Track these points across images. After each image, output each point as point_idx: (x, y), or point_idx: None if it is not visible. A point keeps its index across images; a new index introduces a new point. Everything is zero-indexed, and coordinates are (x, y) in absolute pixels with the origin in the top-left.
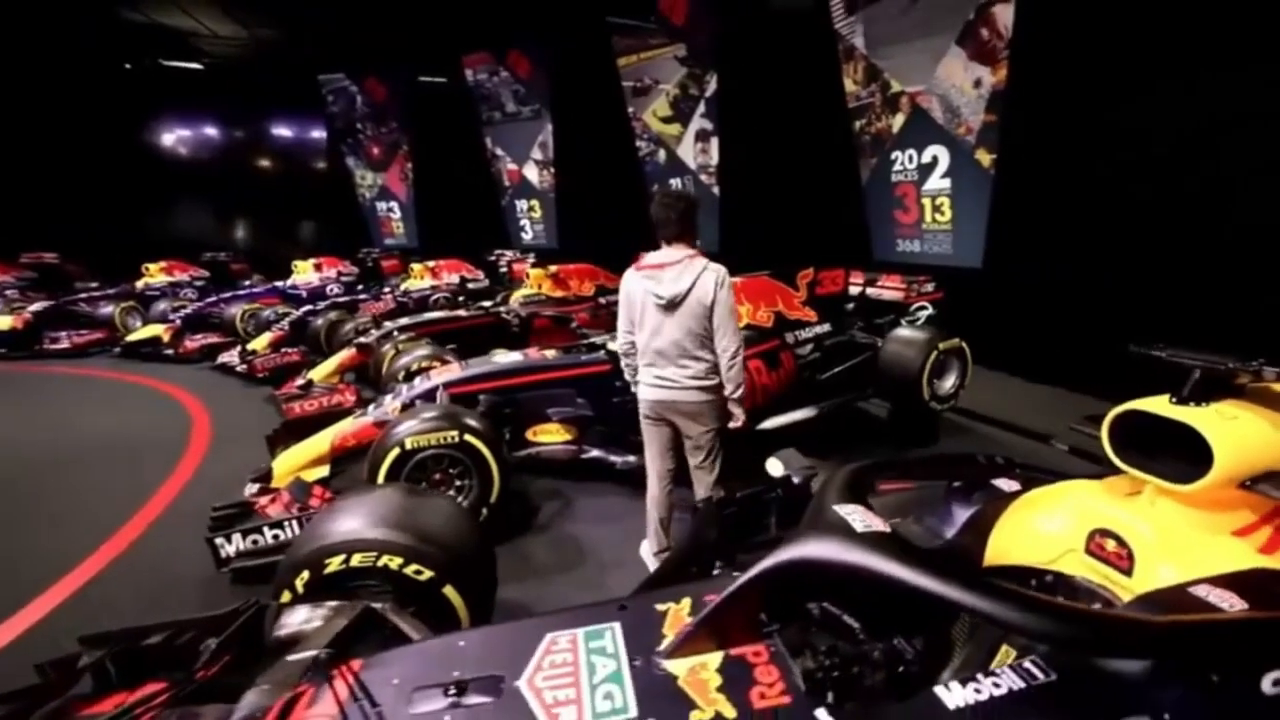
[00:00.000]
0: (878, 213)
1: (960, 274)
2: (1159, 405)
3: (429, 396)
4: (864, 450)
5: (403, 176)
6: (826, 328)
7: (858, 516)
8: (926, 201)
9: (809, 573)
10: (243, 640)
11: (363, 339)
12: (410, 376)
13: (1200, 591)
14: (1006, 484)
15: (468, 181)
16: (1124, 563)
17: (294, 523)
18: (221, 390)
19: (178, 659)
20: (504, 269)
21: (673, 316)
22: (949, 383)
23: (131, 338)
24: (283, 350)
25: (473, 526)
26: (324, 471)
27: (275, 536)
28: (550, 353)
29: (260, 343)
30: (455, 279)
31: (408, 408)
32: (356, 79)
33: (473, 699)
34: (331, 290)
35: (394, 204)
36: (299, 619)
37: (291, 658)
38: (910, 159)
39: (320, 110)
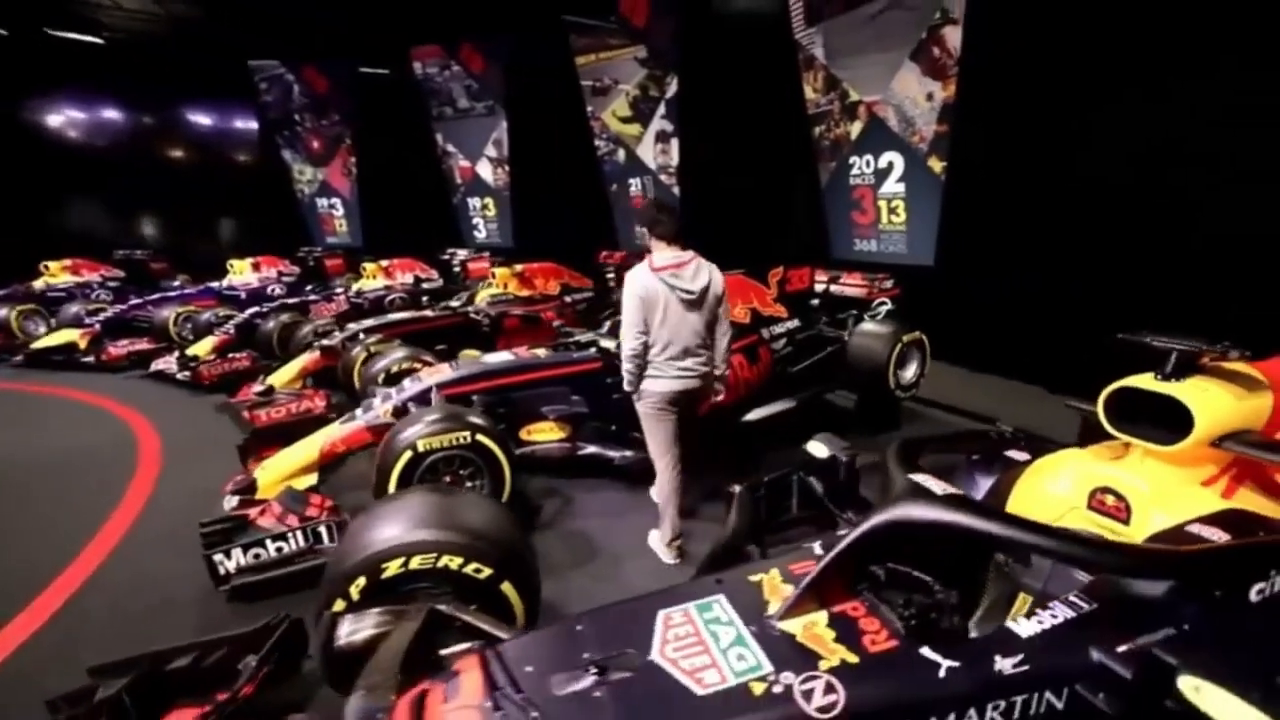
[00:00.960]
0: (836, 213)
1: (914, 271)
2: (1146, 381)
3: (421, 398)
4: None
5: (346, 172)
6: (796, 323)
7: (932, 483)
8: (883, 204)
9: (901, 532)
10: (280, 655)
11: (326, 342)
12: (391, 379)
13: (1194, 529)
14: (1018, 454)
15: (416, 178)
16: (1122, 514)
17: (297, 534)
18: (162, 400)
19: (202, 681)
20: (457, 268)
21: (696, 311)
22: (910, 372)
23: (38, 344)
24: (230, 355)
25: (516, 523)
26: (313, 480)
27: (279, 549)
28: (541, 351)
29: (202, 348)
30: (409, 279)
31: (400, 411)
32: (293, 67)
33: (616, 674)
34: (273, 291)
35: (336, 200)
36: (361, 625)
37: (382, 661)
38: (868, 164)
39: (250, 98)
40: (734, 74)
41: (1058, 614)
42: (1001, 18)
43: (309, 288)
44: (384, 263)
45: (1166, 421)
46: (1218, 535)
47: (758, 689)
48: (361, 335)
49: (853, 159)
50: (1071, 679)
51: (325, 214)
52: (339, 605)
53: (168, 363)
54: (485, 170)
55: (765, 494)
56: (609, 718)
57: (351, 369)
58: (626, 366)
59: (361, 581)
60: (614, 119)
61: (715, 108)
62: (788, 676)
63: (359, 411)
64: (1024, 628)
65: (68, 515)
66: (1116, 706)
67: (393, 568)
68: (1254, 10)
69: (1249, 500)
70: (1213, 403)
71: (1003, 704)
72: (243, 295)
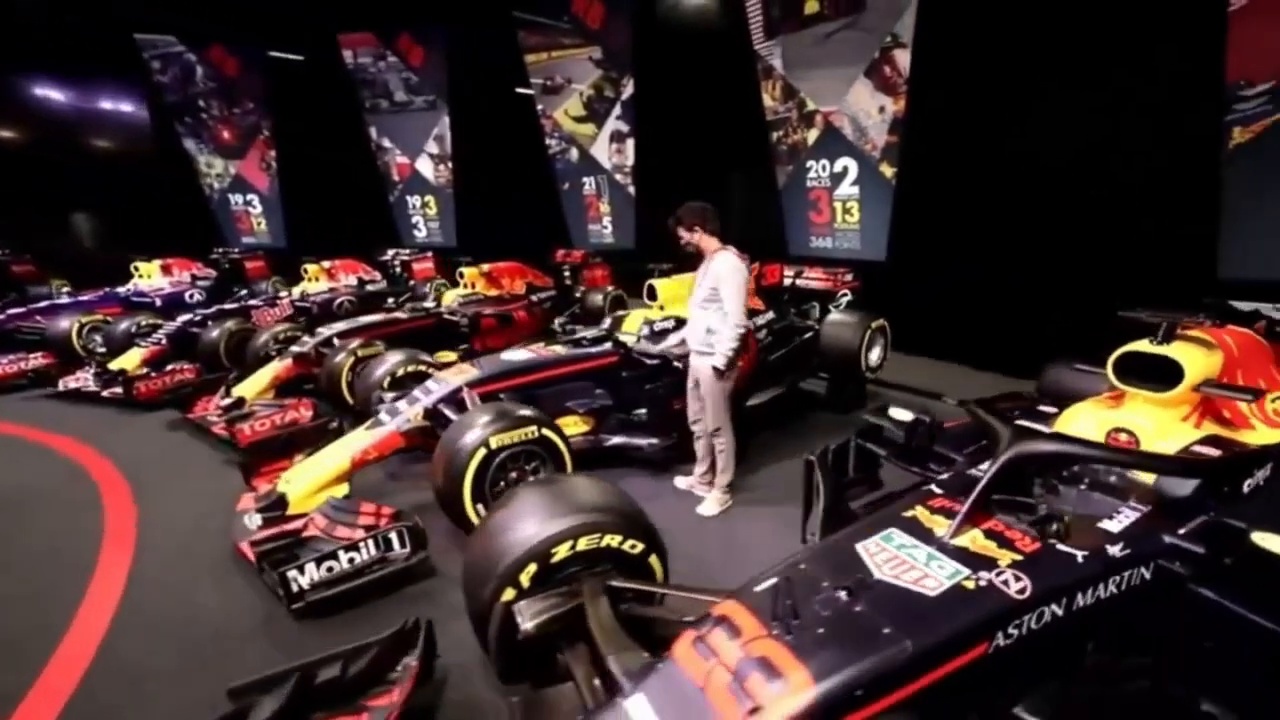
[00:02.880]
0: (794, 213)
1: (867, 266)
2: (1144, 346)
3: (451, 399)
4: (809, 419)
5: (264, 166)
6: (772, 315)
7: (1037, 426)
8: (838, 205)
9: (1027, 464)
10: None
11: (297, 349)
12: (397, 384)
13: (1197, 449)
14: (1048, 409)
15: (346, 174)
16: (1134, 446)
17: (369, 543)
18: (91, 422)
19: (337, 692)
20: (396, 268)
21: None
22: (875, 355)
23: None
24: (170, 368)
25: (634, 500)
26: (345, 489)
27: (350, 560)
28: (559, 348)
29: (129, 361)
30: (353, 280)
31: (433, 413)
32: (196, 46)
33: (862, 593)
34: (192, 297)
35: (253, 197)
36: (539, 609)
37: (604, 631)
38: (824, 168)
39: (137, 77)
40: (692, 78)
41: (1128, 516)
42: (946, 44)
43: (244, 292)
44: (326, 264)
45: (1153, 375)
46: (1213, 451)
47: (969, 585)
48: (336, 341)
49: (810, 163)
50: (1155, 556)
51: (240, 212)
52: (509, 594)
53: (82, 379)
54: (425, 167)
55: (831, 460)
56: (880, 621)
57: (338, 376)
58: (737, 346)
59: (533, 568)
60: (566, 118)
61: (673, 110)
62: (984, 575)
63: (384, 417)
64: (1113, 525)
65: (47, 561)
66: (1189, 570)
67: (562, 551)
68: (1167, 33)
69: (1211, 428)
70: (1194, 359)
71: (1118, 578)
72: (157, 302)
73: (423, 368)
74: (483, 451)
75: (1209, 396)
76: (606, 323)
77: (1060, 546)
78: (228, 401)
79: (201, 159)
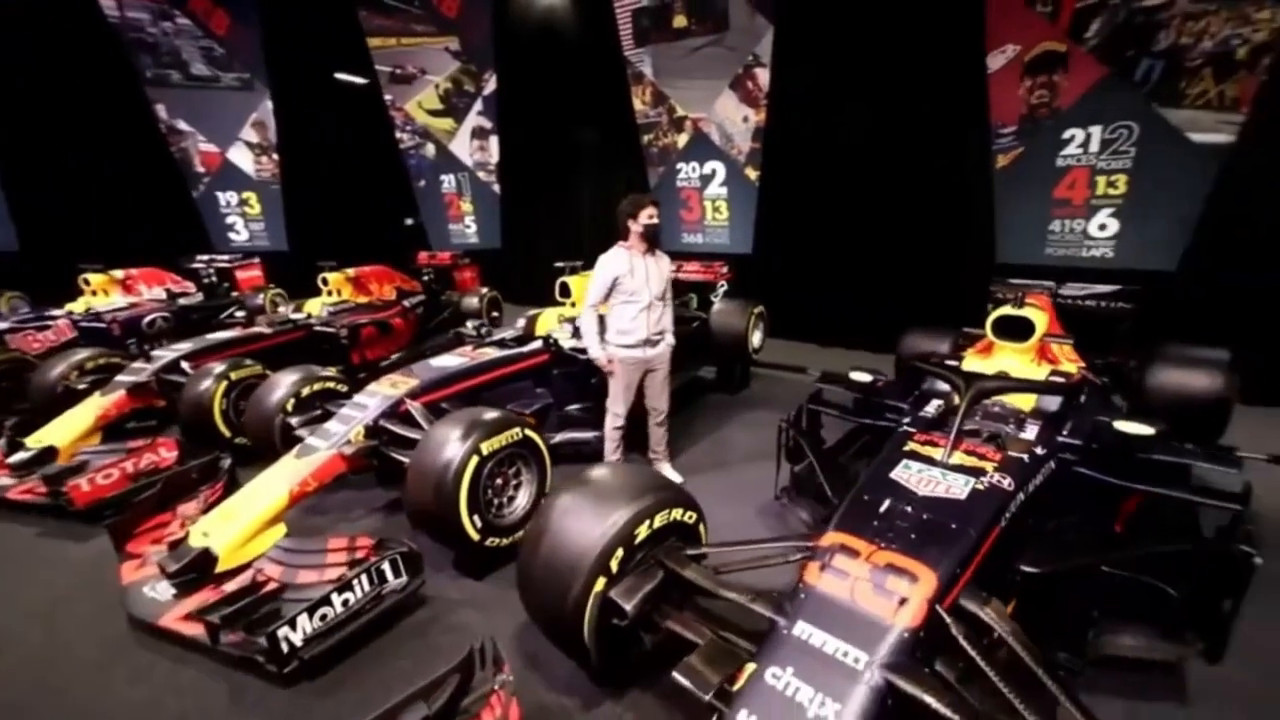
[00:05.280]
0: (665, 211)
1: (735, 259)
2: (1009, 310)
3: (393, 412)
4: (704, 402)
5: None
6: None
7: (982, 371)
8: (708, 203)
9: (984, 395)
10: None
11: (129, 378)
12: (302, 405)
13: (1053, 379)
14: (953, 362)
15: (120, 161)
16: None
17: (362, 579)
18: None
19: None
20: (211, 276)
21: None
22: (757, 338)
23: None
24: None
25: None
26: (282, 530)
27: (345, 603)
28: (489, 351)
29: None
30: (159, 292)
31: (373, 429)
32: None
33: (918, 506)
34: None
35: None
36: (632, 589)
37: (730, 587)
38: (694, 170)
39: None
40: (560, 77)
41: (1033, 427)
42: (799, 65)
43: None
44: (119, 274)
45: (1011, 331)
46: (1063, 380)
47: (980, 486)
48: (185, 365)
49: (680, 165)
50: (1057, 451)
51: None
52: (600, 584)
53: None
54: (242, 158)
55: (794, 421)
56: (946, 520)
57: (208, 405)
58: None
59: (620, 552)
60: (420, 110)
61: (540, 108)
62: (985, 479)
63: (315, 441)
64: (1029, 435)
65: None
66: (1074, 457)
67: (643, 531)
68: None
69: (1046, 366)
70: (1040, 318)
71: (1044, 469)
72: None
73: (330, 384)
74: (476, 459)
75: (1046, 343)
76: (520, 323)
77: (1011, 453)
78: (26, 455)
79: None
